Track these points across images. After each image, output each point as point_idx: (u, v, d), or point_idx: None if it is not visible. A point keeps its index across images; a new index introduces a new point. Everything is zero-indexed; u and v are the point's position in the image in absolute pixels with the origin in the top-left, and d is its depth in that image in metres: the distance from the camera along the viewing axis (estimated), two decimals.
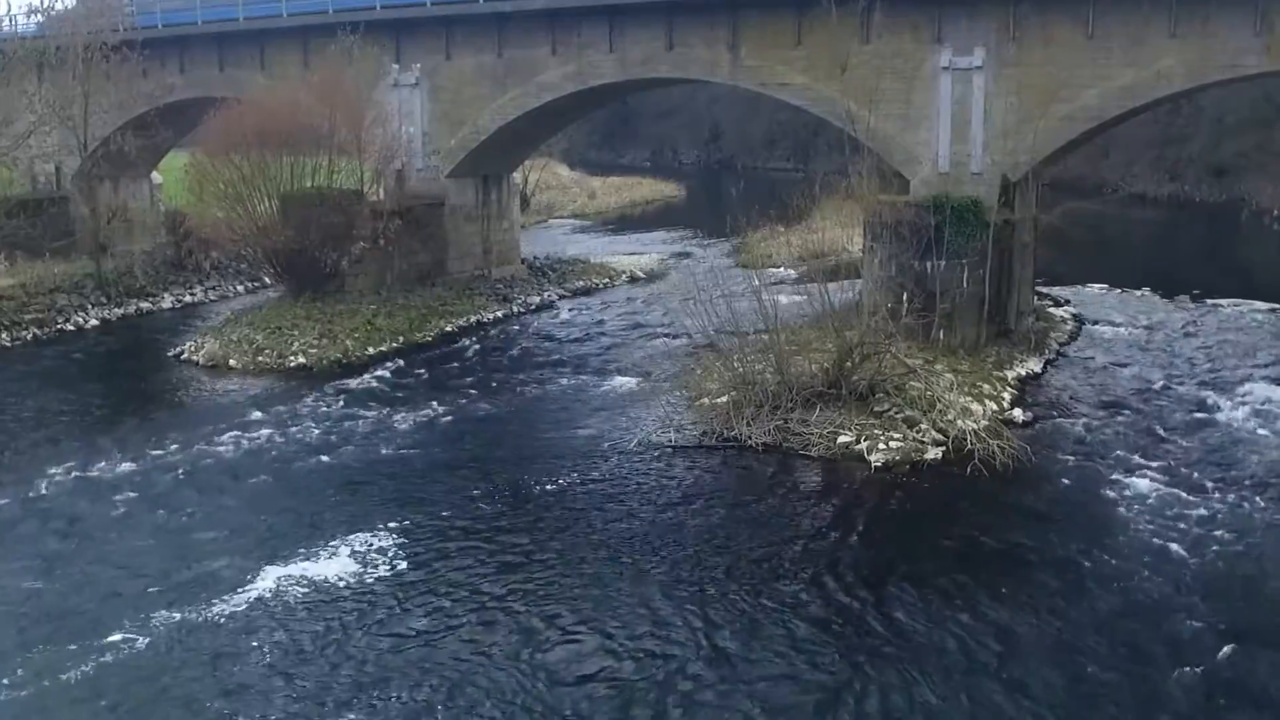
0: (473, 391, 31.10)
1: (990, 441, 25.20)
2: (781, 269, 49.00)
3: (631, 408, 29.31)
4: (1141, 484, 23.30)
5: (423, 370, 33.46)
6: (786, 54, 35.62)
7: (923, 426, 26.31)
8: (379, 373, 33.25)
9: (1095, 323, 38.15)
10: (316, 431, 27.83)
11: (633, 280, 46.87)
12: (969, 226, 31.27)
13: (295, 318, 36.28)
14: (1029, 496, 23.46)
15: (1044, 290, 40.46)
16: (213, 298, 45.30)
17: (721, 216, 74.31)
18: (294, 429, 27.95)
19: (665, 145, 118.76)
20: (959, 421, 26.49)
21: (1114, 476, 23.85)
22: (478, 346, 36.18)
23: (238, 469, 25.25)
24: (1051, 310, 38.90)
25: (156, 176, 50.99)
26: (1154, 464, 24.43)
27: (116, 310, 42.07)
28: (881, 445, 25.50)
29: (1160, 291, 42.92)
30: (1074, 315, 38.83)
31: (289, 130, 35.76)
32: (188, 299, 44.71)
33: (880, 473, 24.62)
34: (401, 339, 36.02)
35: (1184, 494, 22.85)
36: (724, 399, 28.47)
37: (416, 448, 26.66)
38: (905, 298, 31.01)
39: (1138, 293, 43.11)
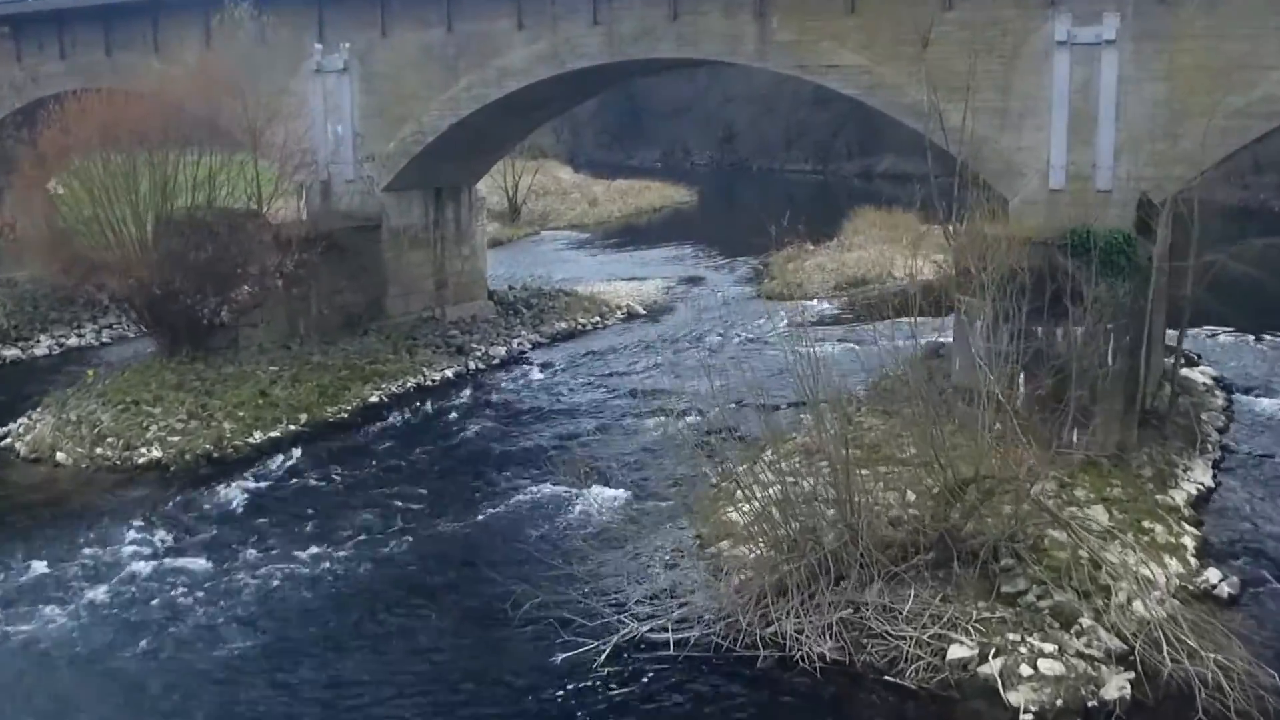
0: (379, 519, 19.99)
1: (1205, 657, 14.00)
2: (814, 301, 37.71)
3: (612, 555, 18.08)
4: None
5: (320, 472, 22.38)
6: (836, 25, 24.48)
7: (1085, 623, 15.06)
8: (259, 476, 22.28)
9: (1248, 390, 26.77)
10: (118, 601, 16.93)
11: (629, 318, 35.56)
12: (1119, 272, 19.99)
13: (162, 386, 25.18)
14: None
15: None
16: (106, 340, 34.18)
17: (737, 227, 63.48)
18: (89, 594, 17.06)
19: (676, 145, 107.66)
20: (1138, 605, 15.32)
21: None
22: (408, 429, 24.97)
23: None
24: (1185, 373, 27.45)
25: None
26: None
27: None
28: (1025, 668, 14.22)
29: None
30: (1215, 379, 27.39)
31: (149, 130, 24.59)
32: (72, 342, 33.66)
33: None
34: (304, 417, 24.84)
35: None
36: (752, 553, 17.29)
37: (259, 647, 15.59)
38: (1022, 381, 19.78)
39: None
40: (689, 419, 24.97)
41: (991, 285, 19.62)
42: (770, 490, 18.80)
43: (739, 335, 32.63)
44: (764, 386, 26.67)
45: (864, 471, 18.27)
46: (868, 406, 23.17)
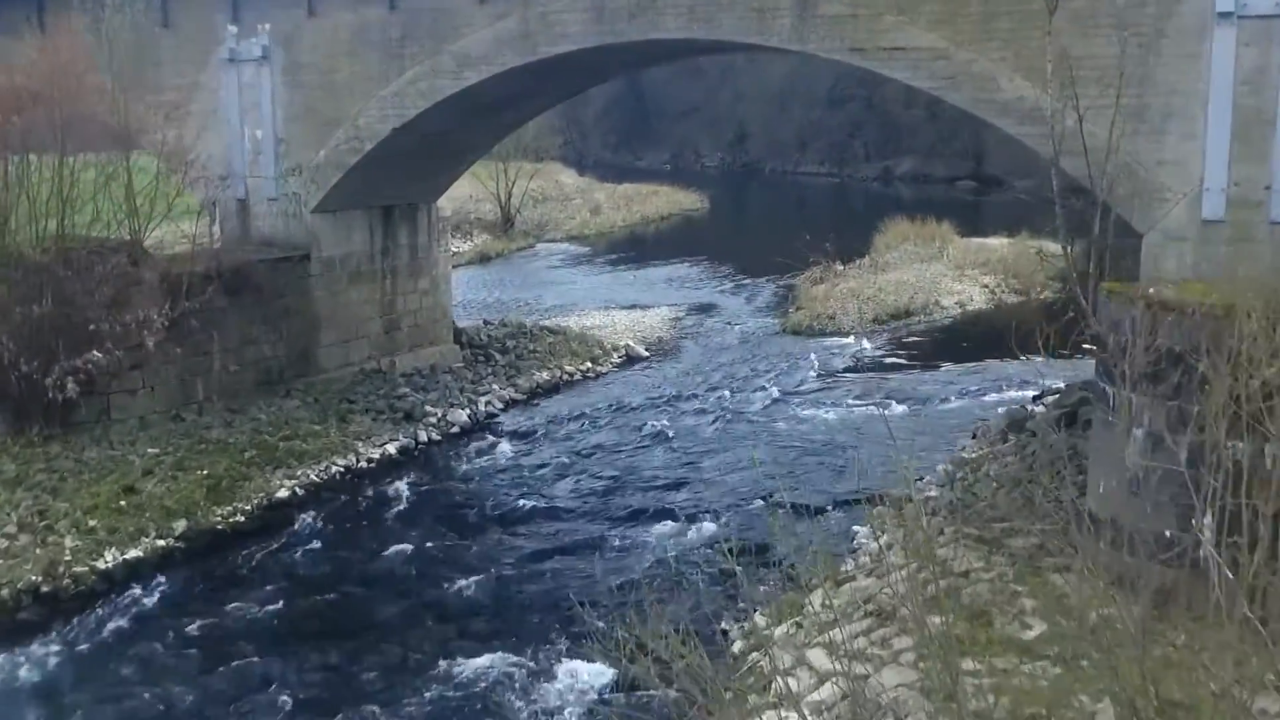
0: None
1: None
2: (850, 338, 30.51)
3: None
4: None
5: (182, 620, 15.41)
6: None
7: None
8: (98, 623, 15.45)
9: None
10: None
11: (628, 361, 28.36)
12: None
13: None
14: None
15: None
16: None
17: (752, 239, 56.29)
18: None
19: (686, 147, 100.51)
20: None
21: None
22: (320, 544, 17.84)
23: None
24: None
25: None
26: None
27: None
28: None
29: None
30: None
31: None
32: None
33: None
34: (182, 525, 17.76)
35: None
36: None
37: None
38: (1209, 524, 12.60)
39: None
40: (700, 525, 18.06)
41: (1155, 373, 12.45)
42: (827, 689, 11.92)
43: (763, 388, 25.52)
44: (798, 473, 19.78)
45: (974, 665, 11.18)
46: (952, 524, 16.05)
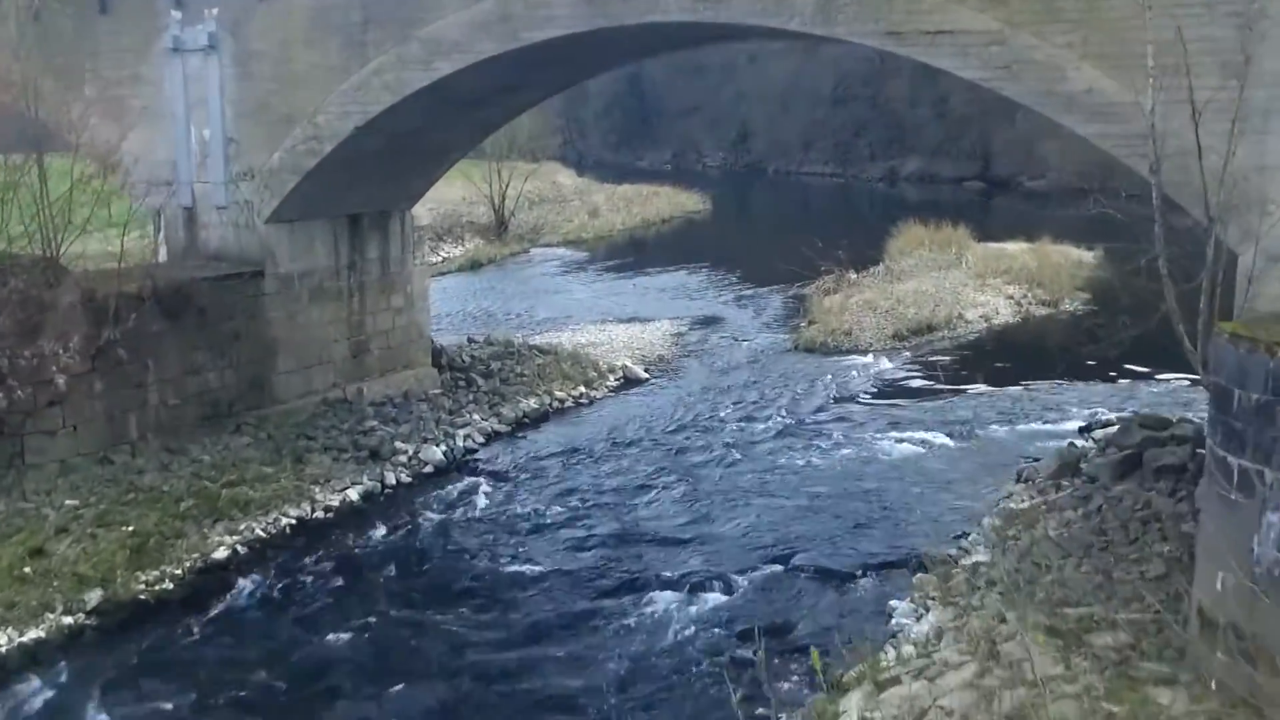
0: None
1: None
2: (869, 357, 27.57)
3: None
4: None
5: (86, 717, 12.52)
6: None
7: None
8: None
9: None
10: None
11: (625, 384, 25.35)
12: None
13: None
14: None
15: None
16: None
17: (757, 242, 53.49)
18: None
19: (688, 147, 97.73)
20: None
21: None
22: (260, 614, 14.87)
23: None
24: None
25: None
26: None
27: None
28: None
29: None
30: None
31: None
32: None
33: None
34: (97, 596, 14.79)
35: None
36: None
37: None
38: None
39: None
40: (707, 596, 15.14)
41: None
42: None
43: (775, 418, 22.57)
44: (819, 525, 16.98)
45: None
46: (1012, 607, 13.05)
